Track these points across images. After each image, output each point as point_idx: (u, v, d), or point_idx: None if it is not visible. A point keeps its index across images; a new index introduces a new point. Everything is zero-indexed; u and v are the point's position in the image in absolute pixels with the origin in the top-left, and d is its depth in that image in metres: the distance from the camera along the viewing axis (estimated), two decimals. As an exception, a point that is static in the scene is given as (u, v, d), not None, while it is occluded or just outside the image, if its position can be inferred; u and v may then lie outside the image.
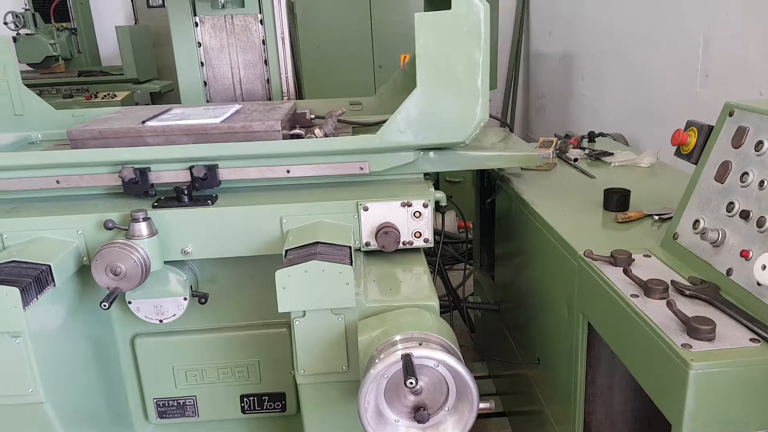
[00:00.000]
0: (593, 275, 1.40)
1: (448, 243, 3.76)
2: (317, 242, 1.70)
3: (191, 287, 2.00)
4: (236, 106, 2.25)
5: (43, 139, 2.35)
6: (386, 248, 1.84)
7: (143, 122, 1.99)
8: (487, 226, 2.54)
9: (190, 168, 1.87)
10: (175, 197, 1.86)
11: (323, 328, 1.70)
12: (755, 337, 1.07)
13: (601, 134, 2.91)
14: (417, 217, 1.86)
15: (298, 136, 2.07)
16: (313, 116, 2.38)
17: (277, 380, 2.17)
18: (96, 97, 5.12)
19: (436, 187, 2.36)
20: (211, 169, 1.88)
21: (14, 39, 5.38)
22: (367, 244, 1.87)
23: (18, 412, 1.72)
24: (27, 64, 5.55)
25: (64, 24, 5.71)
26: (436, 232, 2.08)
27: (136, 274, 1.71)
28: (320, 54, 4.45)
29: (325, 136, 2.08)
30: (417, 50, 1.77)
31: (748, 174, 1.27)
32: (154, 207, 1.84)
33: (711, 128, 1.46)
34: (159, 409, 2.21)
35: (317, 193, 1.93)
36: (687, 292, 1.23)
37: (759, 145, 1.27)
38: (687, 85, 2.93)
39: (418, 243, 1.89)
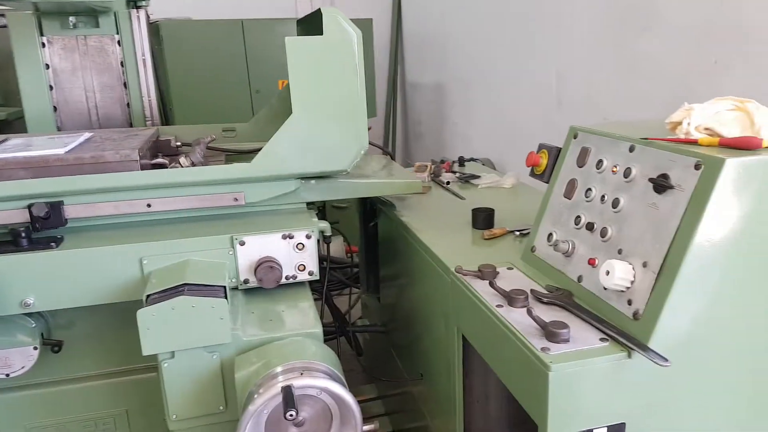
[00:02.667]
0: (464, 289, 1.47)
1: (336, 268, 3.77)
2: (185, 284, 1.56)
3: (42, 335, 1.80)
4: (86, 134, 2.05)
5: None
6: (266, 285, 1.73)
7: None
8: (372, 249, 2.58)
9: (29, 206, 1.66)
10: (10, 241, 1.64)
11: (196, 369, 1.60)
12: (604, 336, 1.18)
13: (472, 159, 3.09)
14: (300, 250, 1.78)
15: (162, 166, 1.91)
16: (179, 144, 2.22)
17: (150, 428, 2.01)
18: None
19: (323, 214, 2.36)
20: (55, 207, 1.68)
21: None
22: (246, 281, 1.76)
23: None
24: None
25: None
26: (322, 259, 2.07)
27: None
28: (191, 78, 4.30)
29: (193, 165, 1.93)
30: (290, 76, 1.75)
31: (591, 190, 1.41)
32: None
33: (559, 150, 1.61)
34: (15, 473, 1.96)
35: (185, 228, 1.79)
36: (545, 300, 1.33)
37: (599, 163, 1.42)
38: (544, 112, 3.21)
39: (303, 276, 1.81)
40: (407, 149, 5.90)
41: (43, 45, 2.51)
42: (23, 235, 1.63)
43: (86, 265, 1.65)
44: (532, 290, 1.37)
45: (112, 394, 1.96)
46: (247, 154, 2.14)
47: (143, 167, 1.81)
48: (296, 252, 1.78)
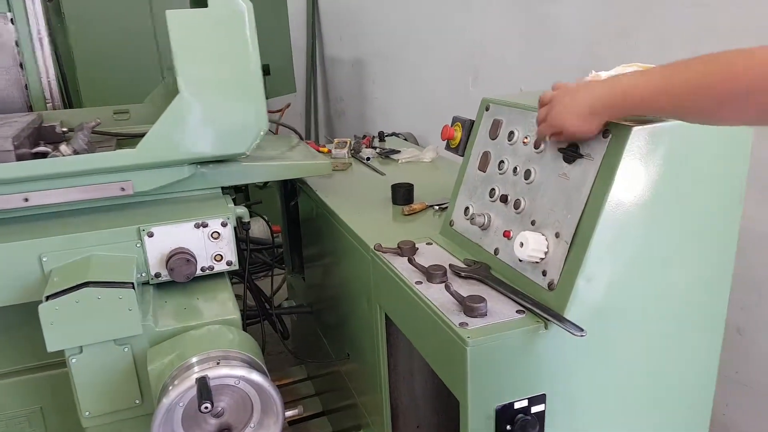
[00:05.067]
0: (383, 267, 1.45)
1: (259, 250, 3.68)
2: (87, 282, 1.44)
3: None
4: None
5: None
6: (180, 278, 1.62)
7: None
8: (294, 229, 2.52)
9: None
10: None
11: (107, 363, 1.51)
12: (521, 308, 1.19)
13: (393, 134, 3.07)
14: (215, 238, 1.67)
15: (43, 155, 1.72)
16: (65, 129, 2.02)
17: (68, 426, 1.88)
18: None
19: (246, 195, 2.25)
20: None
21: None
22: (157, 275, 1.64)
23: None
24: None
25: None
26: (242, 240, 1.98)
27: None
28: (98, 57, 4.02)
29: (75, 152, 1.74)
30: (174, 53, 1.60)
31: (504, 162, 1.41)
32: None
33: (473, 122, 1.60)
34: None
35: (86, 220, 1.65)
36: (462, 274, 1.33)
37: (511, 135, 1.42)
38: (461, 85, 3.22)
39: (220, 267, 1.70)
40: (330, 126, 5.80)
41: (-77, 23, 2.24)
42: None
43: None
44: (450, 265, 1.36)
45: (25, 391, 1.83)
46: (139, 138, 1.98)
47: (21, 157, 1.62)
48: (211, 241, 1.68)
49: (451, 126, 1.69)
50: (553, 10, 2.50)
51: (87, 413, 1.54)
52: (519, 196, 1.33)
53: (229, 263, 1.71)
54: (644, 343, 1.28)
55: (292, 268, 2.68)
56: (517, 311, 1.18)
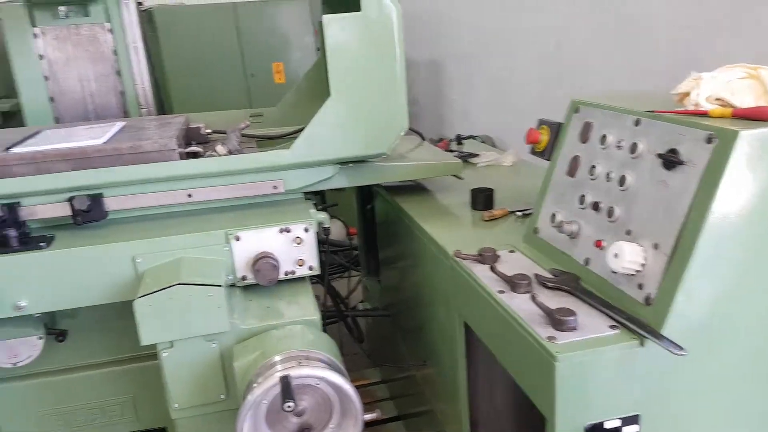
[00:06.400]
0: (463, 274, 1.42)
1: (336, 251, 3.74)
2: (179, 284, 1.50)
3: (46, 325, 1.79)
4: (120, 124, 1.98)
5: None
6: (265, 282, 1.66)
7: (7, 149, 1.69)
8: (370, 232, 2.54)
9: (70, 199, 1.62)
10: (1, 241, 1.57)
11: (196, 358, 1.57)
12: (614, 324, 1.12)
13: (471, 137, 3.02)
14: (298, 244, 1.69)
15: (196, 154, 1.84)
16: (209, 131, 2.14)
17: (156, 415, 1.99)
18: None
19: (322, 197, 2.27)
20: (96, 199, 1.64)
21: None
22: (244, 278, 1.69)
23: None
24: None
25: None
26: (321, 242, 2.00)
27: None
28: (186, 64, 4.24)
29: (230, 152, 1.85)
30: (328, 57, 1.66)
31: (595, 167, 1.35)
32: None
33: (560, 125, 1.54)
34: (24, 458, 1.97)
35: (177, 224, 1.72)
36: (549, 285, 1.27)
37: (603, 138, 1.35)
38: (543, 87, 3.12)
39: (302, 271, 1.72)
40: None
41: (36, 36, 2.45)
42: (12, 235, 1.57)
43: (77, 266, 1.59)
44: (535, 274, 1.31)
45: (118, 381, 1.95)
46: (279, 140, 2.04)
47: (180, 156, 1.75)
48: (294, 246, 1.70)
49: (537, 129, 1.64)
50: (641, 9, 2.37)
51: (176, 405, 1.60)
52: (612, 204, 1.26)
53: (310, 268, 1.73)
54: (749, 362, 1.18)
55: (368, 270, 2.70)
56: (610, 326, 1.12)
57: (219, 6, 4.39)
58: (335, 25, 1.66)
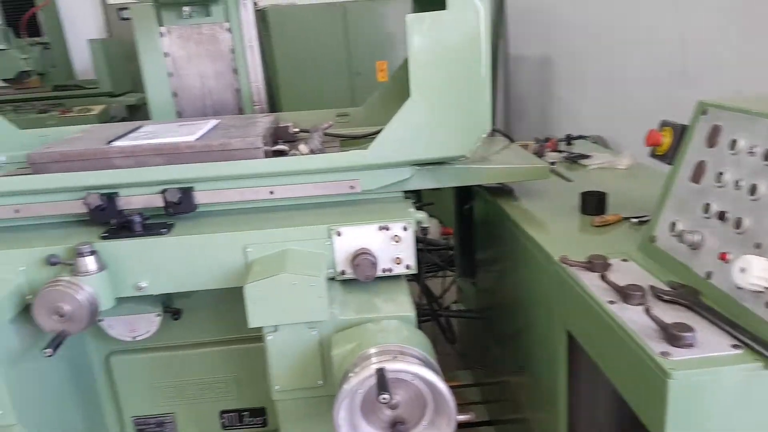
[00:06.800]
0: (570, 281, 1.36)
1: (431, 250, 3.74)
2: (284, 273, 1.56)
3: (163, 303, 1.94)
4: (213, 122, 2.10)
5: (7, 162, 2.17)
6: (363, 278, 1.69)
7: (110, 142, 1.84)
8: (467, 232, 2.50)
9: (163, 192, 1.74)
10: (126, 226, 1.71)
11: (297, 343, 1.64)
12: (737, 343, 1.04)
13: (581, 137, 2.89)
14: (397, 242, 1.71)
15: (282, 153, 1.92)
16: (297, 130, 2.22)
17: (256, 395, 2.12)
18: (71, 111, 5.04)
19: (417, 195, 2.26)
20: (186, 193, 1.74)
21: (-14, 55, 5.29)
22: (343, 272, 1.73)
23: None
24: (1, 80, 5.47)
25: (36, 39, 5.62)
26: (418, 241, 2.01)
27: (82, 315, 1.57)
28: (295, 63, 4.41)
29: (312, 152, 1.91)
30: (410, 56, 1.65)
31: (723, 174, 1.24)
32: (102, 238, 1.68)
33: (685, 128, 1.43)
34: (137, 427, 2.16)
35: (284, 217, 1.79)
36: (666, 297, 1.19)
37: (733, 143, 1.24)
38: (667, 84, 2.92)
39: (399, 270, 1.73)
40: (509, 127, 5.68)
41: (162, 35, 2.64)
42: (137, 221, 1.69)
43: (193, 253, 1.69)
44: (651, 286, 1.23)
45: (225, 360, 2.07)
46: (361, 140, 2.07)
47: (266, 154, 1.82)
48: (393, 244, 1.72)
49: (658, 131, 1.53)
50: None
51: (277, 387, 1.68)
52: (741, 214, 1.15)
53: (407, 267, 1.74)
54: None
55: (463, 271, 2.67)
56: (732, 345, 1.03)
57: (329, 5, 4.52)
58: (418, 24, 1.63)
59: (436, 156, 1.78)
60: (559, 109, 4.37)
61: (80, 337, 1.98)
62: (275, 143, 2.02)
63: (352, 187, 1.81)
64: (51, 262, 1.61)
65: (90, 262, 1.60)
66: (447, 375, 1.50)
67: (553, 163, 2.38)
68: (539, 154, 2.49)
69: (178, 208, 1.74)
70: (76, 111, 5.03)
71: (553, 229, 1.69)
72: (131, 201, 1.76)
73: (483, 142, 2.11)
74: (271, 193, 1.81)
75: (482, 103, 1.71)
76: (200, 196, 1.78)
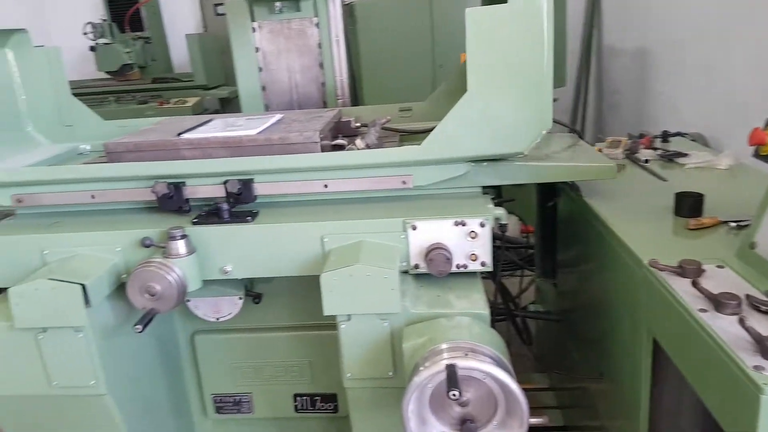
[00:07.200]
0: (658, 287, 1.28)
1: (509, 248, 3.65)
2: (359, 264, 1.59)
3: (246, 287, 2.04)
4: (278, 116, 2.15)
5: (91, 150, 2.30)
6: (436, 272, 1.68)
7: (179, 134, 1.93)
8: (549, 230, 2.42)
9: (225, 183, 1.80)
10: (215, 213, 1.79)
11: (369, 333, 1.66)
12: (844, 362, 0.93)
13: (679, 134, 2.70)
14: (473, 238, 1.68)
15: (340, 147, 1.95)
16: (358, 124, 2.25)
17: (329, 381, 2.18)
18: (168, 102, 5.36)
19: (498, 191, 2.21)
20: (246, 184, 1.80)
21: (93, 48, 5.72)
22: (416, 266, 1.73)
23: (81, 403, 1.80)
24: (105, 72, 5.88)
25: (138, 33, 5.99)
26: (495, 237, 1.97)
27: (171, 295, 1.66)
28: (379, 56, 4.43)
29: (367, 146, 1.93)
30: (468, 50, 1.63)
31: (841, 176, 1.12)
32: (193, 223, 1.78)
33: (797, 125, 1.30)
34: (216, 404, 2.27)
35: (360, 209, 1.81)
36: (763, 308, 1.09)
37: None
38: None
39: (474, 267, 1.70)
40: (600, 122, 5.42)
41: (254, 30, 2.73)
42: (225, 208, 1.78)
43: (275, 240, 1.75)
44: (747, 295, 1.13)
45: (300, 345, 2.14)
46: (420, 134, 2.06)
47: (324, 148, 1.85)
48: (469, 240, 1.69)
49: (764, 129, 1.40)
50: None
51: (349, 374, 1.71)
52: None
53: (483, 264, 1.71)
54: None
55: (543, 271, 2.59)
56: (840, 365, 0.93)
57: (416, -2, 4.49)
58: (477, 17, 1.59)
59: (491, 153, 1.73)
60: (656, 103, 4.12)
61: (169, 315, 2.11)
62: (335, 137, 2.04)
63: (404, 182, 1.80)
64: (145, 244, 1.72)
65: (181, 246, 1.69)
66: (521, 377, 1.47)
67: (646, 161, 2.26)
68: (633, 150, 2.37)
69: (238, 199, 1.80)
70: (172, 102, 5.34)
71: (643, 231, 1.59)
72: (197, 191, 1.84)
73: (550, 139, 2.03)
74: (325, 186, 1.83)
75: (543, 99, 1.64)
76: (259, 188, 1.83)
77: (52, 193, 1.90)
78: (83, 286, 1.62)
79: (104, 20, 5.98)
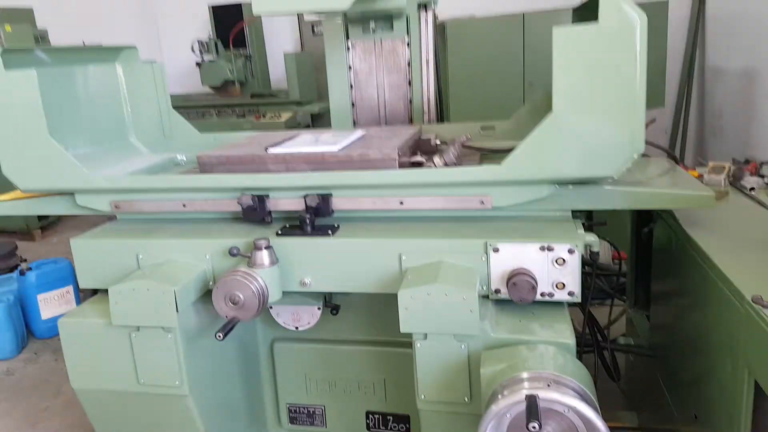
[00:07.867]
0: (762, 325, 1.17)
1: (599, 275, 3.48)
2: (437, 284, 1.56)
3: (325, 298, 2.07)
4: (360, 132, 2.19)
5: (187, 161, 2.39)
6: (519, 299, 1.60)
7: (266, 149, 1.97)
8: (644, 258, 2.28)
9: (305, 197, 1.83)
10: (298, 225, 1.83)
11: (445, 354, 1.63)
12: None
13: (790, 160, 2.49)
14: (560, 265, 1.60)
15: (419, 164, 1.93)
16: (438, 142, 2.22)
17: (402, 402, 2.16)
18: (264, 117, 5.63)
19: (588, 214, 2.11)
20: (325, 198, 1.83)
21: (199, 64, 6.11)
22: (497, 291, 1.66)
23: (164, 402, 1.89)
24: (209, 86, 6.26)
25: (241, 50, 6.35)
26: (584, 263, 1.86)
27: (253, 304, 1.70)
28: (469, 74, 4.42)
29: (445, 164, 1.89)
30: (554, 70, 1.57)
31: None
32: (277, 235, 1.83)
33: None
34: (291, 414, 2.32)
35: (440, 228, 1.78)
36: None
37: None
38: None
39: (560, 296, 1.62)
40: (701, 146, 5.09)
41: (348, 48, 2.81)
42: (308, 221, 1.82)
43: (354, 255, 1.77)
44: None
45: (375, 361, 2.14)
46: (502, 153, 2.03)
47: (402, 165, 1.84)
48: (555, 267, 1.61)
49: None
50: None
51: (423, 396, 1.68)
52: None
53: (570, 294, 1.62)
54: None
55: (635, 302, 2.44)
56: None
57: (508, 16, 4.46)
58: (565, 37, 1.53)
59: (576, 175, 1.65)
60: (764, 127, 3.82)
61: (252, 322, 2.18)
62: (414, 154, 2.03)
63: (482, 203, 1.75)
64: (232, 253, 1.78)
65: (265, 256, 1.75)
66: (608, 414, 1.38)
67: (752, 189, 2.09)
68: (737, 177, 2.20)
69: (317, 212, 1.83)
70: (268, 117, 5.62)
71: (746, 264, 1.47)
72: (278, 203, 1.89)
73: (646, 164, 1.91)
74: (401, 203, 1.81)
75: (635, 121, 1.55)
76: (337, 203, 1.85)
77: (146, 201, 2.01)
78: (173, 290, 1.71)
79: (210, 38, 6.39)
